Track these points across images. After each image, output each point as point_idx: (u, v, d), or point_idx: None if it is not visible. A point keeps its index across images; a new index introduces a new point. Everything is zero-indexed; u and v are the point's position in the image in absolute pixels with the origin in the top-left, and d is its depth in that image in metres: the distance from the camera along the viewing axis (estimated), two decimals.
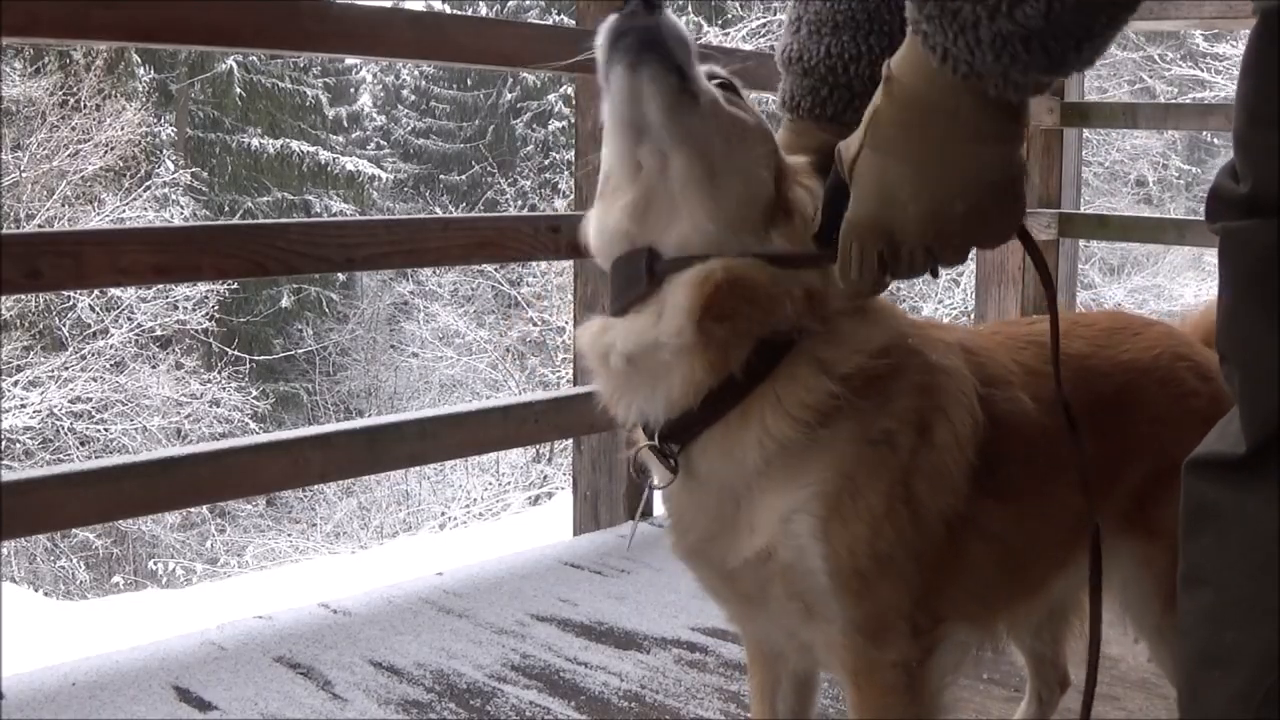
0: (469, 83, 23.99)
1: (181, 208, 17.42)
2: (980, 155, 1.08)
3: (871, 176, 1.12)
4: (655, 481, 1.36)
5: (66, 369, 14.20)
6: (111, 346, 14.65)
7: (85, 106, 15.12)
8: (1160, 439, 1.53)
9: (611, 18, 1.26)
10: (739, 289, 1.24)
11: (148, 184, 16.11)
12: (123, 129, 15.47)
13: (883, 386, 1.32)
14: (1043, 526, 1.49)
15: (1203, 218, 1.06)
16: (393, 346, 20.14)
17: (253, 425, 15.65)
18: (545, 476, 14.94)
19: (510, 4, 22.77)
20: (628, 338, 1.27)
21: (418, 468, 11.82)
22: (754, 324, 1.26)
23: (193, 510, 13.58)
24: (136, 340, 15.06)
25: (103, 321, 14.74)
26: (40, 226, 13.75)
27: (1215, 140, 18.46)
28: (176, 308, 15.52)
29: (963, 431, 1.37)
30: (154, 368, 15.10)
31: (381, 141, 24.58)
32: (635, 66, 1.23)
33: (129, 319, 14.99)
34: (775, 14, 16.31)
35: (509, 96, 23.28)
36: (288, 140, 20.48)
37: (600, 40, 1.26)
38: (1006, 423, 1.42)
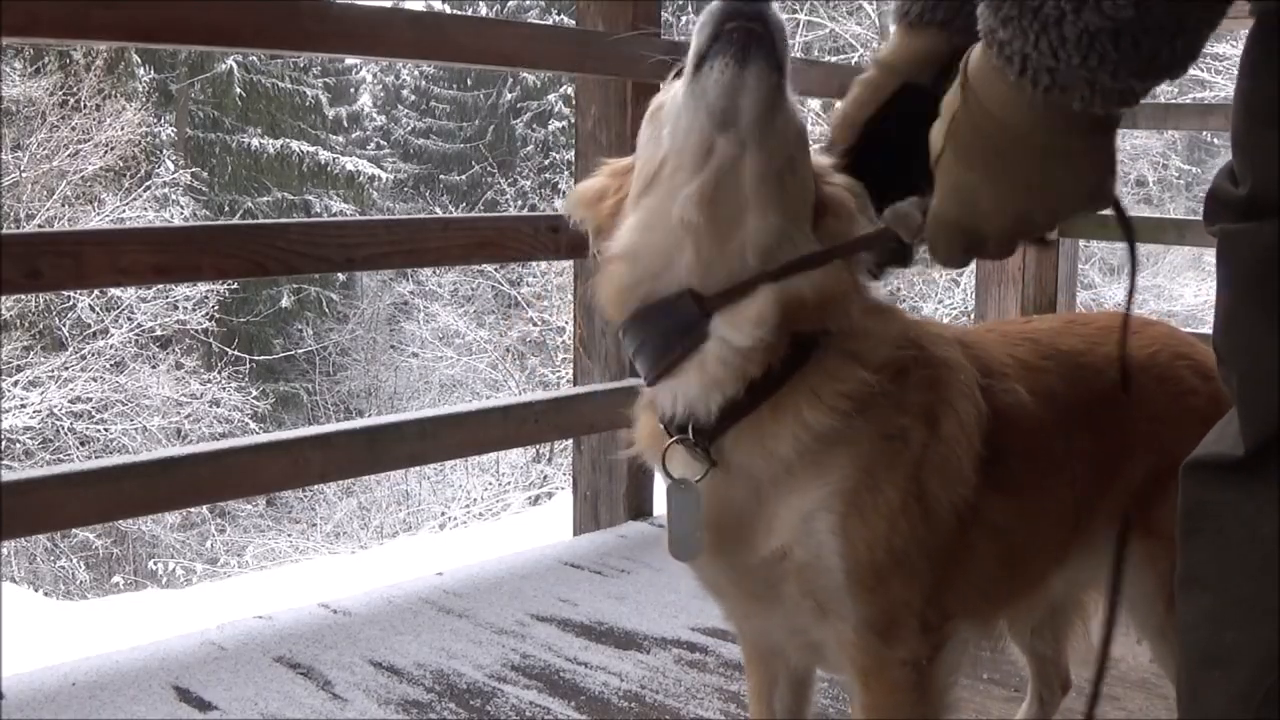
0: (469, 83, 23.99)
1: (181, 208, 17.42)
2: (1067, 172, 1.04)
3: (951, 182, 1.10)
4: (690, 476, 1.33)
5: (66, 369, 14.20)
6: (111, 346, 14.64)
7: (85, 106, 15.12)
8: (1160, 437, 1.53)
9: (717, 2, 1.23)
10: (827, 303, 1.27)
11: (148, 184, 16.11)
12: (123, 129, 15.47)
13: (904, 378, 1.34)
14: (1043, 520, 1.49)
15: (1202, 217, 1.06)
16: (393, 346, 20.13)
17: (253, 425, 15.65)
18: (545, 476, 14.93)
19: (510, 4, 22.78)
20: (736, 328, 1.25)
21: (418, 468, 11.81)
22: (804, 322, 1.28)
23: (193, 510, 13.57)
24: (136, 340, 15.06)
25: (103, 321, 14.74)
26: (40, 226, 13.74)
27: (1215, 140, 18.45)
28: (176, 308, 15.52)
29: (968, 422, 1.38)
30: (154, 368, 15.10)
31: (381, 141, 24.58)
32: (743, 61, 1.21)
33: (129, 319, 14.98)
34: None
35: (509, 96, 23.29)
36: (288, 140, 20.48)
37: (705, 20, 1.23)
38: (1006, 414, 1.43)
